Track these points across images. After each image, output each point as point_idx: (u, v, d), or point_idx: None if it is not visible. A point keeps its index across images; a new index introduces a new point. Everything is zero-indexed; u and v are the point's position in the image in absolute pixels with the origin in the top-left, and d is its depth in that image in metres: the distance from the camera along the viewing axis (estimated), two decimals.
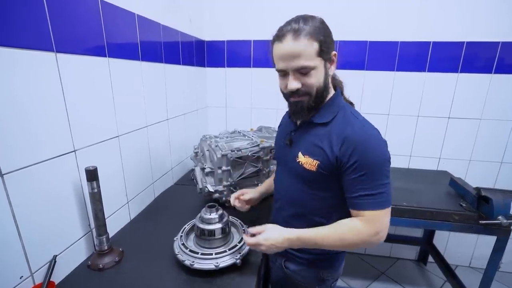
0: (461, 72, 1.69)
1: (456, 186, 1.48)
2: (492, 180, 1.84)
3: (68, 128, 0.79)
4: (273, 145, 1.23)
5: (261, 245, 0.77)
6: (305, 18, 0.72)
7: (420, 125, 1.82)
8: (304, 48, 0.70)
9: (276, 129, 1.51)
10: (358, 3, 1.69)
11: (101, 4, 0.89)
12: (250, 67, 1.91)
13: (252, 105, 1.99)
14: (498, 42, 1.61)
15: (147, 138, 1.24)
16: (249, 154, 1.17)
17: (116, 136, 1.02)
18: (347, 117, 0.76)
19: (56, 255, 0.76)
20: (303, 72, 0.72)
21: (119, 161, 1.05)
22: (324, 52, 0.72)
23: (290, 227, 0.81)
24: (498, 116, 1.72)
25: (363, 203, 0.72)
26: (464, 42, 1.64)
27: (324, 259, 0.88)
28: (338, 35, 1.74)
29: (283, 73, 0.76)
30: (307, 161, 0.78)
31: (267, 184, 1.11)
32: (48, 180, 0.74)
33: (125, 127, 1.07)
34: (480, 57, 1.65)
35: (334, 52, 0.76)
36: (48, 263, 0.74)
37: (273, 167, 1.38)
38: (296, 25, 0.71)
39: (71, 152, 0.81)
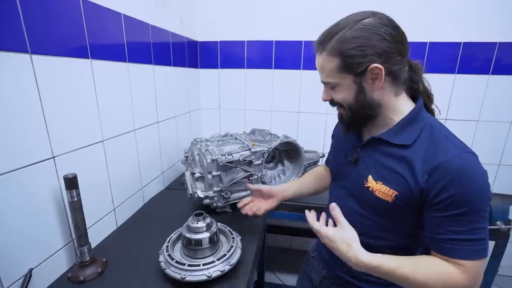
0: (458, 73, 1.67)
1: None
2: (490, 183, 1.81)
3: (46, 134, 0.75)
4: (265, 149, 1.20)
5: (325, 240, 0.68)
6: (339, 25, 0.64)
7: None
8: (323, 64, 0.66)
9: (270, 132, 1.48)
10: (352, 4, 1.66)
11: (82, 3, 0.85)
12: (244, 68, 1.87)
13: (246, 107, 1.95)
14: (496, 43, 1.58)
15: (135, 142, 1.20)
16: (240, 158, 1.14)
17: (101, 141, 0.98)
18: (436, 137, 0.61)
19: (32, 268, 0.72)
20: (329, 86, 0.69)
21: (104, 166, 1.01)
22: (351, 67, 0.62)
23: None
24: (496, 117, 1.70)
25: (457, 249, 0.58)
26: (461, 42, 1.61)
27: None
28: None
29: None
30: (380, 189, 0.65)
31: (291, 184, 1.02)
32: (23, 189, 0.70)
33: (111, 131, 1.03)
34: (477, 57, 1.63)
35: (374, 65, 0.60)
36: (23, 277, 0.70)
37: (266, 171, 1.35)
38: (324, 35, 0.66)
39: (50, 158, 0.77)
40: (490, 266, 1.32)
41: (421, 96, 0.70)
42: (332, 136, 0.94)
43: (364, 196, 0.70)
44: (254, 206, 0.95)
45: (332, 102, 0.72)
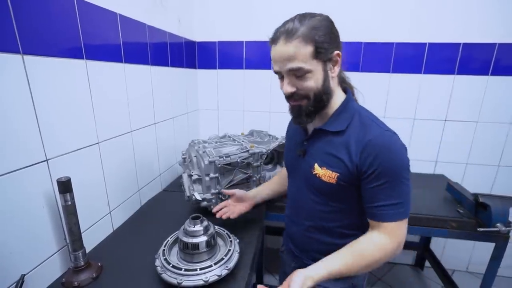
0: (457, 74, 1.66)
1: (453, 192, 1.44)
2: (489, 184, 1.80)
3: (39, 136, 0.73)
4: (263, 150, 1.18)
5: None
6: (302, 17, 0.69)
7: (416, 128, 1.78)
8: (297, 50, 0.66)
9: (269, 133, 1.47)
10: (352, 3, 1.65)
11: (76, 2, 0.83)
12: (242, 68, 1.85)
13: (245, 108, 1.93)
14: (495, 44, 1.57)
15: (132, 143, 1.18)
16: (238, 160, 1.12)
17: (96, 143, 0.96)
18: (364, 121, 0.73)
19: (24, 274, 0.70)
20: (297, 75, 0.69)
21: (99, 169, 0.99)
22: (321, 54, 0.68)
23: (310, 240, 0.84)
24: (495, 118, 1.69)
25: (386, 213, 0.69)
26: (460, 43, 1.61)
27: None
28: None
29: (280, 76, 0.73)
30: (325, 174, 0.75)
31: (260, 189, 1.09)
32: (15, 193, 0.68)
33: (107, 133, 1.01)
34: (477, 58, 1.62)
35: (336, 52, 0.70)
36: (15, 284, 0.68)
37: (265, 173, 1.34)
38: (291, 24, 0.68)
39: (43, 161, 0.75)
40: (490, 268, 1.31)
41: (349, 89, 0.81)
42: (286, 134, 1.02)
43: (314, 183, 0.78)
44: (227, 210, 1.02)
45: (294, 94, 0.72)
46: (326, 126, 0.76)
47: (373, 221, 0.73)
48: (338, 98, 0.77)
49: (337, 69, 0.72)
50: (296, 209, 0.89)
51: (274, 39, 0.70)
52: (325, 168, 0.75)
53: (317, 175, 0.76)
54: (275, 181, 1.14)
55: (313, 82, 0.70)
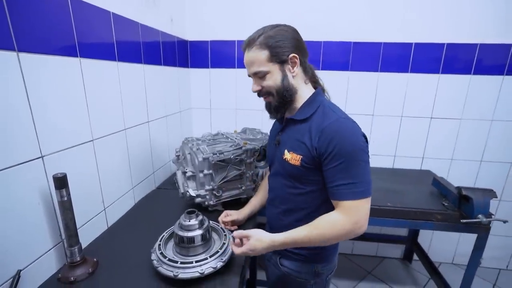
0: (442, 73, 1.73)
1: (439, 186, 1.50)
2: (472, 178, 1.88)
3: (34, 133, 0.74)
4: (256, 147, 1.21)
5: (248, 254, 0.80)
6: (263, 28, 0.82)
7: (403, 125, 1.85)
8: (255, 56, 0.80)
9: (261, 131, 1.49)
10: (342, 4, 1.70)
11: (70, 1, 0.84)
12: (234, 67, 1.88)
13: (237, 107, 1.96)
14: (477, 44, 1.65)
15: (125, 141, 1.19)
16: (232, 157, 1.14)
17: (91, 140, 0.97)
18: (326, 111, 0.81)
19: (21, 270, 0.71)
20: (259, 76, 0.82)
21: (94, 166, 1.00)
22: (275, 57, 0.79)
23: (282, 222, 0.89)
24: (477, 116, 1.77)
25: (342, 192, 0.75)
26: (444, 43, 1.67)
27: (318, 253, 0.91)
28: (322, 36, 1.75)
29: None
30: (292, 157, 0.83)
31: (252, 204, 1.13)
32: (10, 189, 0.69)
33: (101, 131, 1.02)
34: (460, 58, 1.69)
35: (293, 55, 0.80)
36: (11, 279, 0.69)
37: (258, 169, 1.36)
38: (253, 35, 0.81)
39: (38, 158, 0.76)
40: (473, 259, 1.37)
41: (320, 86, 0.91)
42: (270, 132, 1.11)
43: (284, 167, 0.87)
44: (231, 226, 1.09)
45: (261, 92, 0.85)
46: (294, 116, 0.86)
47: (333, 201, 0.79)
48: (305, 93, 0.86)
49: (296, 69, 0.82)
50: (274, 195, 0.97)
51: (242, 49, 0.85)
52: (292, 152, 0.83)
53: (286, 159, 0.85)
54: (260, 194, 1.16)
55: (271, 81, 0.82)
